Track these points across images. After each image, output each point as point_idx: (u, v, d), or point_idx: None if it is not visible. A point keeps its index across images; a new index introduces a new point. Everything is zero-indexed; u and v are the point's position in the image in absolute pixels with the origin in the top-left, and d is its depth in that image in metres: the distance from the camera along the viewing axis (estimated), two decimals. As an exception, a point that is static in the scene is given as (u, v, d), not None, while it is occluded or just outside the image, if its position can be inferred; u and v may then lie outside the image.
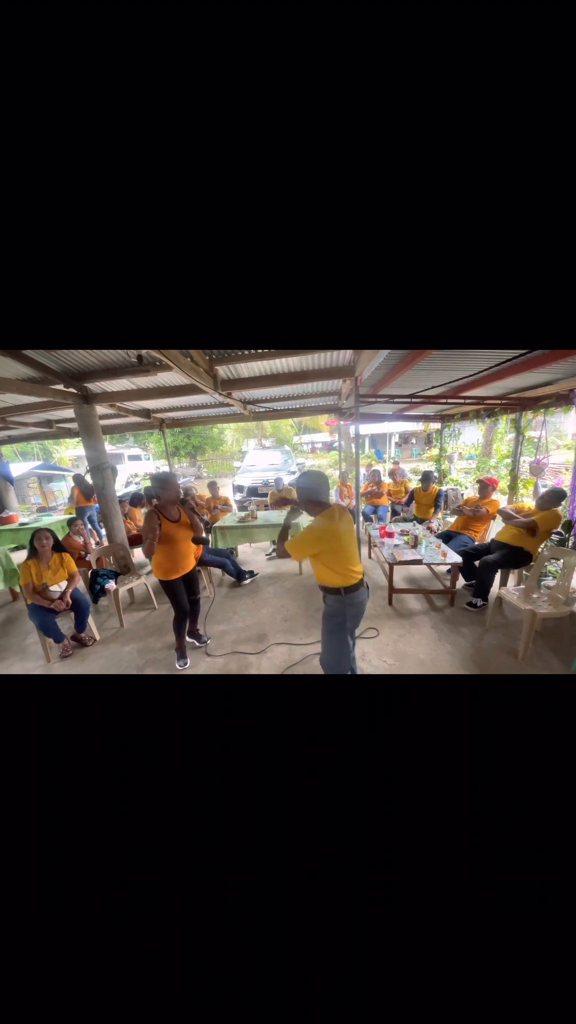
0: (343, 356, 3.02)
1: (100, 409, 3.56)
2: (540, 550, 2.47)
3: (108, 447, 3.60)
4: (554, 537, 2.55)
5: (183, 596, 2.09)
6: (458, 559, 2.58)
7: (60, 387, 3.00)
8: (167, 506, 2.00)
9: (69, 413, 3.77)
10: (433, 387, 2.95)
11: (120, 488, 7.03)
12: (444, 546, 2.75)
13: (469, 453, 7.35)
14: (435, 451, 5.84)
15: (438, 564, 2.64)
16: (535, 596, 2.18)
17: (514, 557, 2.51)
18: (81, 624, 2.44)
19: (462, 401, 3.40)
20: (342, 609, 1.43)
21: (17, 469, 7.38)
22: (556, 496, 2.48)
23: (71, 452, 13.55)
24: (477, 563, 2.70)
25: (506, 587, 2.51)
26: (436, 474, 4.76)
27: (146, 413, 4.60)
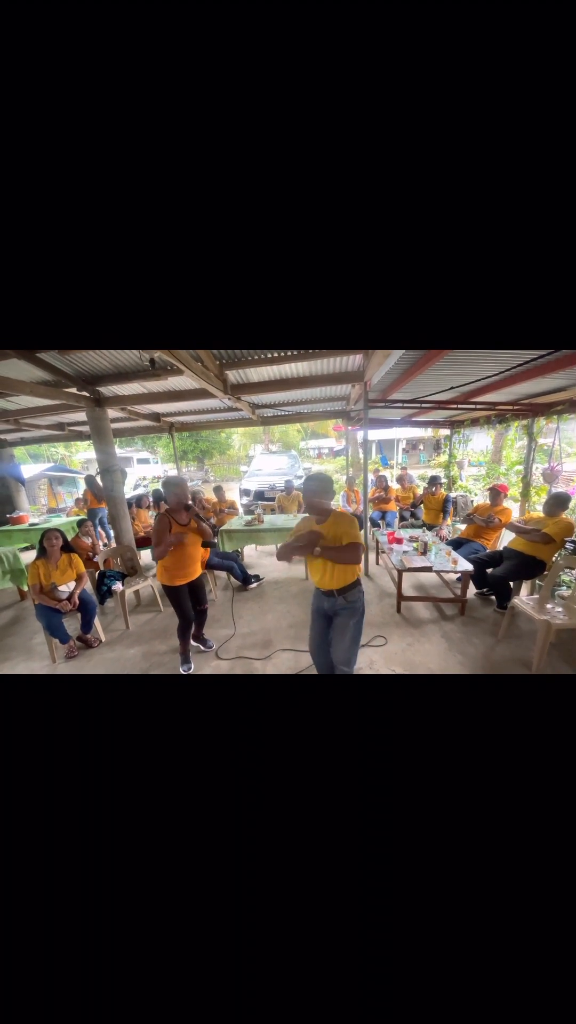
0: (352, 361, 3.02)
1: (111, 412, 3.62)
2: (555, 559, 2.40)
3: (118, 450, 3.64)
4: (568, 546, 2.48)
5: (187, 604, 2.06)
6: (469, 567, 2.53)
7: (73, 390, 3.05)
8: (177, 510, 1.99)
9: (81, 416, 3.84)
10: (448, 388, 2.91)
11: (129, 490, 7.11)
12: (455, 553, 2.70)
13: (478, 460, 7.28)
14: (443, 457, 5.79)
15: (448, 572, 2.59)
16: (549, 606, 2.11)
17: (526, 566, 2.45)
18: (87, 625, 2.44)
19: (473, 407, 3.36)
20: (363, 598, 1.54)
21: (28, 471, 7.51)
22: (560, 500, 2.43)
23: (81, 455, 13.79)
24: (489, 571, 2.64)
25: (519, 597, 2.44)
26: (444, 479, 4.70)
27: (156, 417, 4.66)
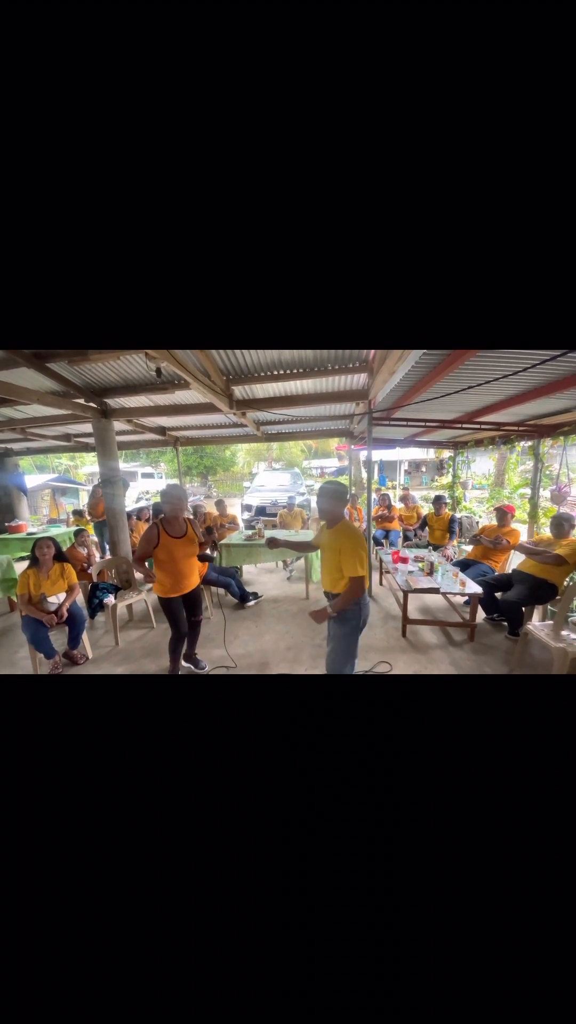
0: (357, 379, 3.06)
1: (118, 425, 3.65)
2: (567, 582, 2.29)
3: (123, 464, 3.67)
4: (581, 570, 2.38)
5: (182, 617, 1.96)
6: (478, 590, 2.41)
7: (81, 401, 3.09)
8: (171, 520, 1.92)
9: (87, 427, 3.88)
10: (455, 391, 2.87)
11: (131, 503, 7.10)
12: (462, 575, 2.59)
13: (480, 483, 7.25)
14: (446, 478, 5.77)
15: (456, 594, 2.47)
16: (565, 633, 1.99)
17: (539, 590, 2.34)
18: (75, 640, 2.31)
19: (478, 427, 3.36)
20: (359, 611, 1.47)
21: (32, 480, 7.56)
22: (563, 519, 2.39)
23: (86, 468, 13.96)
24: (498, 595, 2.52)
25: (532, 623, 2.31)
26: (448, 499, 4.64)
27: (162, 430, 4.71)
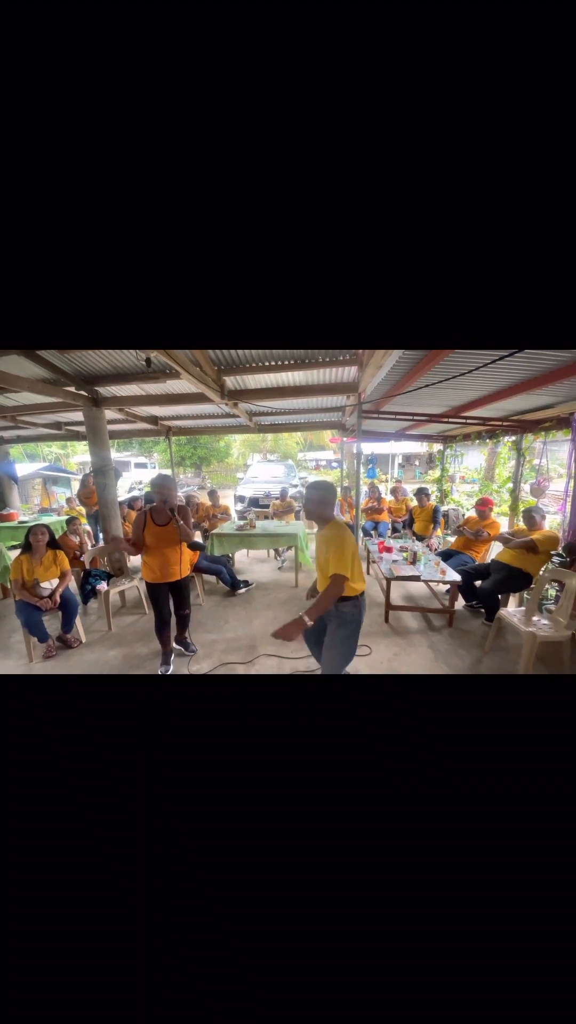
0: (348, 372, 3.10)
1: (109, 414, 3.64)
2: (540, 572, 2.42)
3: (115, 454, 3.65)
4: (555, 559, 2.50)
5: (164, 604, 2.04)
6: (457, 578, 2.53)
7: (71, 389, 3.08)
8: (158, 509, 1.97)
9: (78, 416, 3.86)
10: (443, 380, 2.84)
11: (123, 493, 7.10)
12: (443, 564, 2.70)
13: (472, 477, 7.37)
14: (436, 472, 5.87)
15: (436, 582, 2.59)
16: (536, 619, 2.11)
17: (514, 579, 2.46)
18: (68, 624, 2.38)
19: (464, 421, 3.44)
20: (358, 614, 1.46)
21: (24, 469, 7.46)
22: (532, 511, 2.56)
23: (77, 458, 13.76)
24: (477, 584, 2.64)
25: (506, 609, 2.44)
26: (436, 491, 4.74)
27: (154, 420, 4.69)
